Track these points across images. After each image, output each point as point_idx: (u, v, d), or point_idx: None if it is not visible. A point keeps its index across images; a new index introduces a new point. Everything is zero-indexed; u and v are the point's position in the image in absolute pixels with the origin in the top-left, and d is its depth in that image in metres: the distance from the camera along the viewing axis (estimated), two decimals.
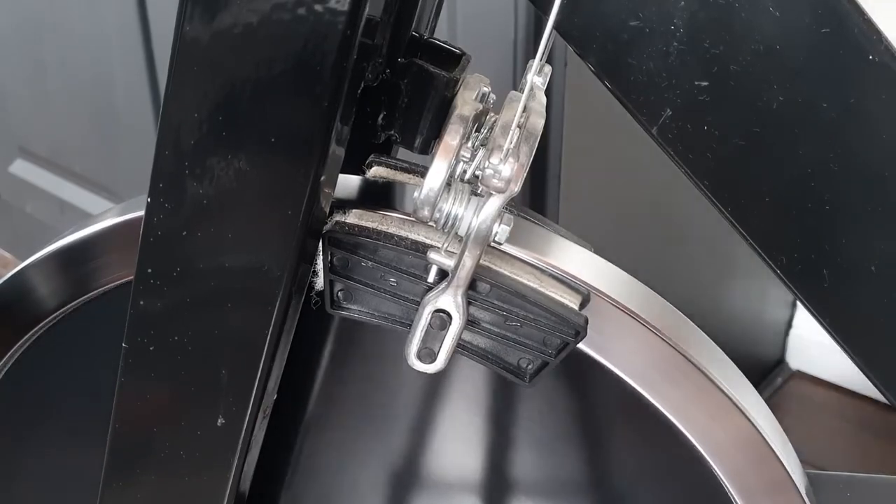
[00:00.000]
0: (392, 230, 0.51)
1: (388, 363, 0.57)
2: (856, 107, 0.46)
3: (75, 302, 0.58)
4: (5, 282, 0.59)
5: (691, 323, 0.55)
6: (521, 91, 0.47)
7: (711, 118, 0.47)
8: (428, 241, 0.50)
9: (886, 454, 1.48)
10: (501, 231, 0.47)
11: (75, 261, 0.57)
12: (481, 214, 0.46)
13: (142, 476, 0.54)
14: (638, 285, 0.54)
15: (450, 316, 0.49)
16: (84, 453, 0.63)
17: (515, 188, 0.45)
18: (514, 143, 0.45)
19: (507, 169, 0.45)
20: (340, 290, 0.52)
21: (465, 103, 0.49)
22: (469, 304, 0.50)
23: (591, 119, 1.09)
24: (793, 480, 0.54)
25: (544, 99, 0.49)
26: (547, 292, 0.51)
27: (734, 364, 0.55)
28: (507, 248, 0.51)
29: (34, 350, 0.61)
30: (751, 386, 0.56)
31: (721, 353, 0.55)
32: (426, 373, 0.51)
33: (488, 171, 0.45)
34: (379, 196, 0.53)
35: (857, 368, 0.52)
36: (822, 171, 0.47)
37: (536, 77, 0.49)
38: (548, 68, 0.52)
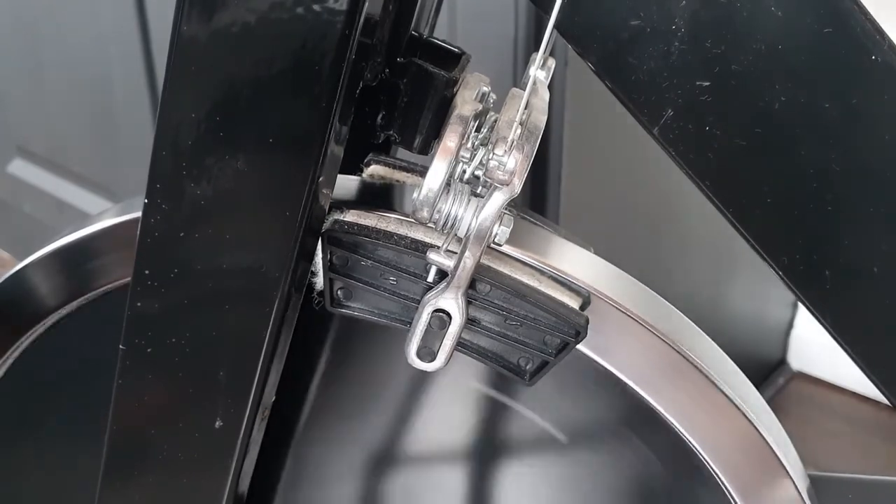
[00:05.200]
0: (391, 229, 0.51)
1: (388, 363, 0.57)
2: (858, 107, 0.46)
3: (74, 302, 0.58)
4: (3, 282, 0.59)
5: (692, 324, 0.55)
6: (524, 87, 0.47)
7: (713, 118, 0.47)
8: (427, 241, 0.50)
9: (888, 456, 1.48)
10: (501, 232, 0.47)
11: (74, 261, 0.57)
12: (482, 213, 0.46)
13: (139, 478, 0.54)
14: (638, 286, 0.54)
15: (450, 316, 0.49)
16: (82, 454, 0.62)
17: (517, 185, 0.45)
18: (517, 135, 0.45)
19: (511, 161, 0.44)
20: (340, 289, 0.52)
21: (465, 103, 0.48)
22: (469, 303, 0.50)
23: (592, 119, 1.09)
24: (794, 482, 0.54)
25: (547, 94, 0.49)
26: (547, 292, 0.51)
27: (735, 365, 0.55)
28: (507, 249, 0.51)
29: (32, 350, 0.61)
30: (752, 387, 0.55)
31: (722, 354, 0.55)
32: (426, 371, 0.50)
33: (493, 164, 0.44)
34: (378, 196, 0.53)
35: (858, 369, 0.52)
36: (824, 172, 0.47)
37: (539, 71, 0.48)
38: (551, 62, 0.52)
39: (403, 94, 0.50)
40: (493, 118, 0.49)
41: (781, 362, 1.65)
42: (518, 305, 0.50)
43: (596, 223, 1.20)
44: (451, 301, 0.49)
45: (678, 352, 0.52)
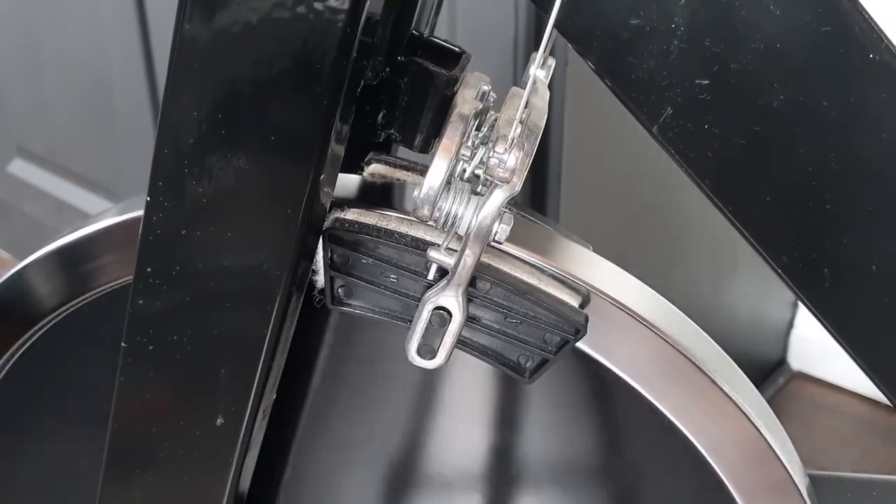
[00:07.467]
0: (392, 227, 0.51)
1: (389, 361, 0.57)
2: (856, 106, 0.46)
3: (74, 302, 0.58)
4: (3, 282, 0.59)
5: (692, 323, 0.55)
6: (524, 86, 0.47)
7: (712, 117, 0.47)
8: (428, 239, 0.50)
9: (888, 455, 1.48)
10: (501, 230, 0.47)
11: (74, 261, 0.57)
12: (482, 211, 0.46)
13: (141, 476, 0.54)
14: (638, 285, 0.54)
15: (450, 313, 0.49)
16: (83, 453, 0.63)
17: (517, 183, 0.45)
18: (518, 133, 0.45)
19: (511, 159, 0.44)
20: (341, 287, 0.52)
21: (465, 102, 0.48)
22: (469, 301, 0.50)
23: (592, 118, 1.09)
24: (794, 481, 0.54)
25: (547, 94, 0.49)
26: (547, 290, 0.51)
27: (735, 364, 0.55)
28: (507, 247, 0.51)
29: (33, 351, 0.61)
30: (752, 386, 0.55)
31: (722, 354, 0.55)
32: (426, 369, 0.50)
33: (493, 161, 0.44)
34: (379, 195, 0.53)
35: (858, 369, 0.52)
36: (822, 170, 0.47)
37: (539, 70, 0.49)
38: (551, 61, 0.52)
39: (404, 93, 0.50)
40: (493, 117, 0.49)
41: (781, 362, 1.65)
42: (518, 303, 0.50)
43: (596, 222, 1.20)
44: (451, 299, 0.49)
45: (678, 350, 0.52)
